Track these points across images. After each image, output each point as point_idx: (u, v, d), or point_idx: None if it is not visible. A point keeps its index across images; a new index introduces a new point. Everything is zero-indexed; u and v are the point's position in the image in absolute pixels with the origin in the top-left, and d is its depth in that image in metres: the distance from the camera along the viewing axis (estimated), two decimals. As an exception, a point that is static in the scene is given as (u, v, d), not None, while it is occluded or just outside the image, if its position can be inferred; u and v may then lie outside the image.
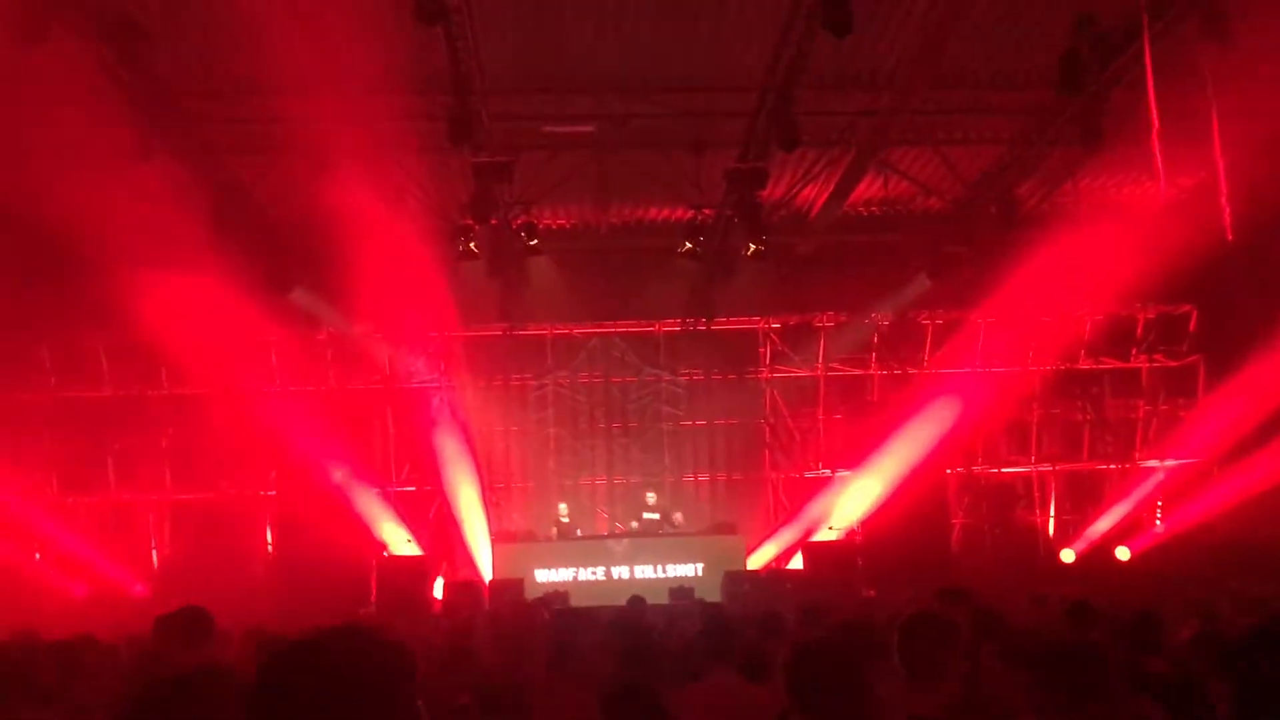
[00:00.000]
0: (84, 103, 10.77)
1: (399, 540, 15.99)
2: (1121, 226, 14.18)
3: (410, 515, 16.64)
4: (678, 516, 16.24)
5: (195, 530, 16.90)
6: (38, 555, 16.09)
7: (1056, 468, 18.06)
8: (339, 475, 15.45)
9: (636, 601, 8.82)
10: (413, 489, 17.18)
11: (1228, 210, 10.67)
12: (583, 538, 16.09)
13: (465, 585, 15.01)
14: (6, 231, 13.60)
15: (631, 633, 5.25)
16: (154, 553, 16.96)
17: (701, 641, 4.69)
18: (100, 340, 16.48)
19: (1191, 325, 17.74)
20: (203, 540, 16.64)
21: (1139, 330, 17.88)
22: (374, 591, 14.69)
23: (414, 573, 14.97)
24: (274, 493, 16.75)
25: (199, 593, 12.86)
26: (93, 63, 10.25)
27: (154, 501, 17.11)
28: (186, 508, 17.09)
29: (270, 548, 16.82)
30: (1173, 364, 17.89)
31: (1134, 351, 17.92)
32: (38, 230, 12.48)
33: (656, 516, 16.22)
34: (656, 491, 17.00)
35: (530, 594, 13.82)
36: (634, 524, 16.30)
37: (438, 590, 15.07)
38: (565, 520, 16.23)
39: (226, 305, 14.59)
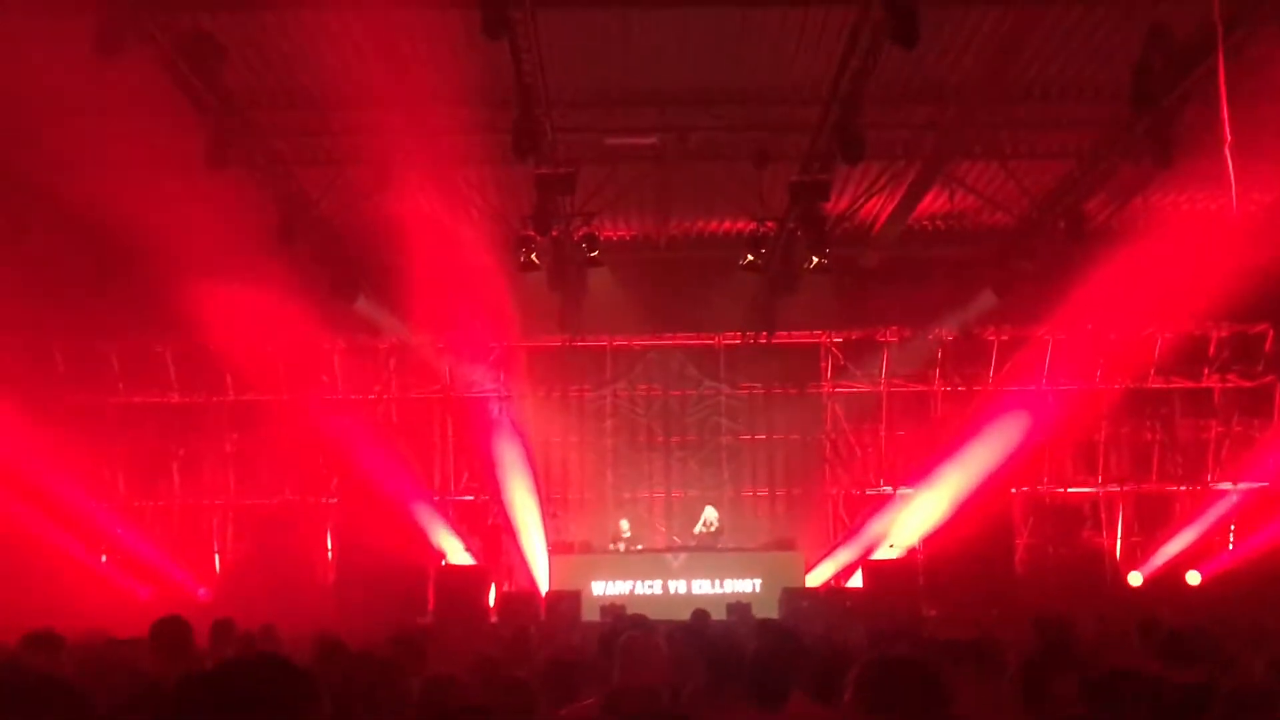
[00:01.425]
0: (157, 113, 10.98)
1: (457, 550, 16.06)
2: (1194, 243, 13.86)
3: (469, 525, 16.73)
4: (715, 522, 16.16)
5: (257, 535, 17.11)
6: (104, 557, 16.40)
7: (1125, 488, 17.68)
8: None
9: (700, 615, 8.65)
10: (471, 498, 17.27)
11: (1307, 227, 10.39)
12: (641, 551, 16.04)
13: (522, 596, 15.06)
14: (80, 237, 13.92)
15: (709, 644, 5.14)
16: (216, 557, 17.20)
17: (771, 662, 4.56)
18: (168, 346, 16.78)
19: (1267, 345, 17.28)
20: (264, 546, 16.85)
21: (1212, 349, 17.46)
22: (431, 600, 14.75)
23: (471, 582, 15.04)
24: (335, 500, 16.92)
25: (259, 598, 13.08)
26: (166, 74, 10.44)
27: (218, 506, 17.37)
28: (249, 513, 17.32)
29: (330, 555, 16.98)
30: (1247, 384, 17.44)
31: (1206, 371, 17.50)
32: (110, 237, 12.76)
33: (714, 529, 16.11)
34: (715, 506, 16.93)
35: (586, 606, 13.80)
36: (690, 539, 16.22)
37: (494, 600, 15.12)
38: (627, 536, 16.13)
39: (291, 314, 14.79)
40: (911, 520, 16.25)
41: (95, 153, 11.29)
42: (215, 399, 17.14)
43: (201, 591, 16.07)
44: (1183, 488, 17.59)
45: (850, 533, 17.02)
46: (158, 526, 17.01)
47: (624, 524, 16.29)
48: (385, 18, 10.84)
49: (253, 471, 17.32)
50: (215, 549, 17.25)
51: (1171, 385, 17.58)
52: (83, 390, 16.67)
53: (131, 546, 16.32)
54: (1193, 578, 16.17)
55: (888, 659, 3.09)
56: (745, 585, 14.93)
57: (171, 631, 5.81)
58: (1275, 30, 9.87)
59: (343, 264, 15.07)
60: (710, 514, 16.28)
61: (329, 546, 17.04)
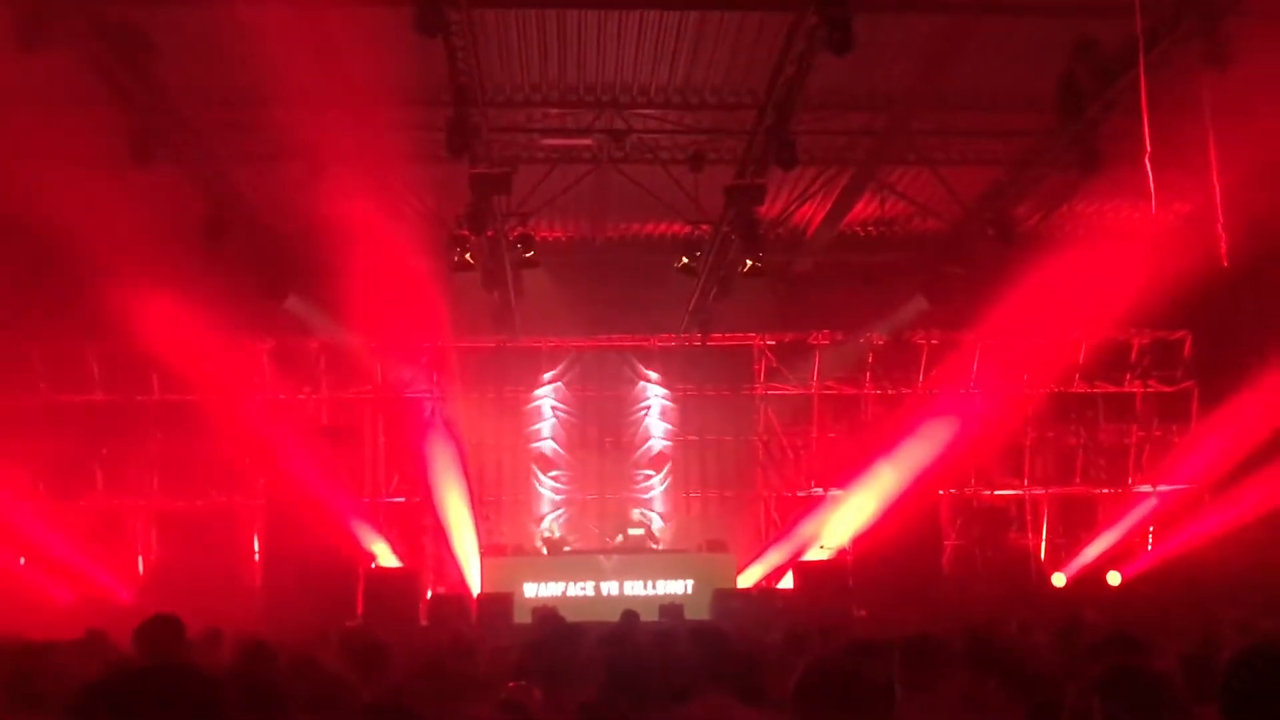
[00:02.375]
0: (82, 107, 10.75)
1: (387, 552, 15.91)
2: (1118, 250, 14.20)
3: (400, 527, 16.57)
4: (657, 525, 16.21)
5: (182, 537, 16.79)
6: (22, 560, 15.97)
7: (1049, 491, 18.03)
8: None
9: (630, 617, 8.69)
10: (402, 500, 17.11)
11: (1224, 237, 10.67)
12: (572, 552, 16.02)
13: (453, 599, 14.95)
14: (1, 234, 13.56)
15: (620, 650, 5.16)
16: (140, 559, 16.84)
17: (694, 661, 4.61)
18: (92, 345, 16.40)
19: (1186, 351, 17.74)
20: (190, 548, 16.54)
21: (1133, 355, 17.88)
22: (360, 603, 14.59)
23: (401, 585, 14.89)
24: (262, 501, 16.67)
25: (184, 600, 12.79)
26: (93, 68, 10.22)
27: (142, 507, 17.00)
28: (174, 514, 16.98)
29: (257, 557, 16.71)
30: (1167, 389, 17.89)
31: (1128, 376, 17.92)
32: (32, 233, 12.45)
33: (641, 532, 16.15)
34: (647, 507, 16.95)
35: (518, 608, 13.76)
36: (620, 538, 16.24)
37: (425, 603, 14.99)
38: (548, 534, 16.19)
39: (219, 312, 14.55)
40: (842, 521, 16.42)
41: (17, 147, 11.02)
42: (140, 398, 16.79)
43: (124, 594, 15.72)
44: (1105, 490, 17.99)
45: (781, 534, 17.16)
46: (80, 528, 16.59)
47: (548, 521, 16.27)
48: (318, 12, 10.72)
49: (178, 472, 16.97)
50: (139, 551, 16.90)
51: (1095, 390, 17.98)
52: (3, 389, 16.22)
53: (52, 549, 15.91)
54: (1113, 578, 16.55)
55: (831, 664, 3.08)
56: (677, 586, 14.98)
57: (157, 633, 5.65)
58: (1194, 46, 10.14)
59: (273, 262, 14.87)
60: (639, 515, 16.32)
61: (256, 549, 16.78)
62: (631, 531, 16.24)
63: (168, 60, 11.12)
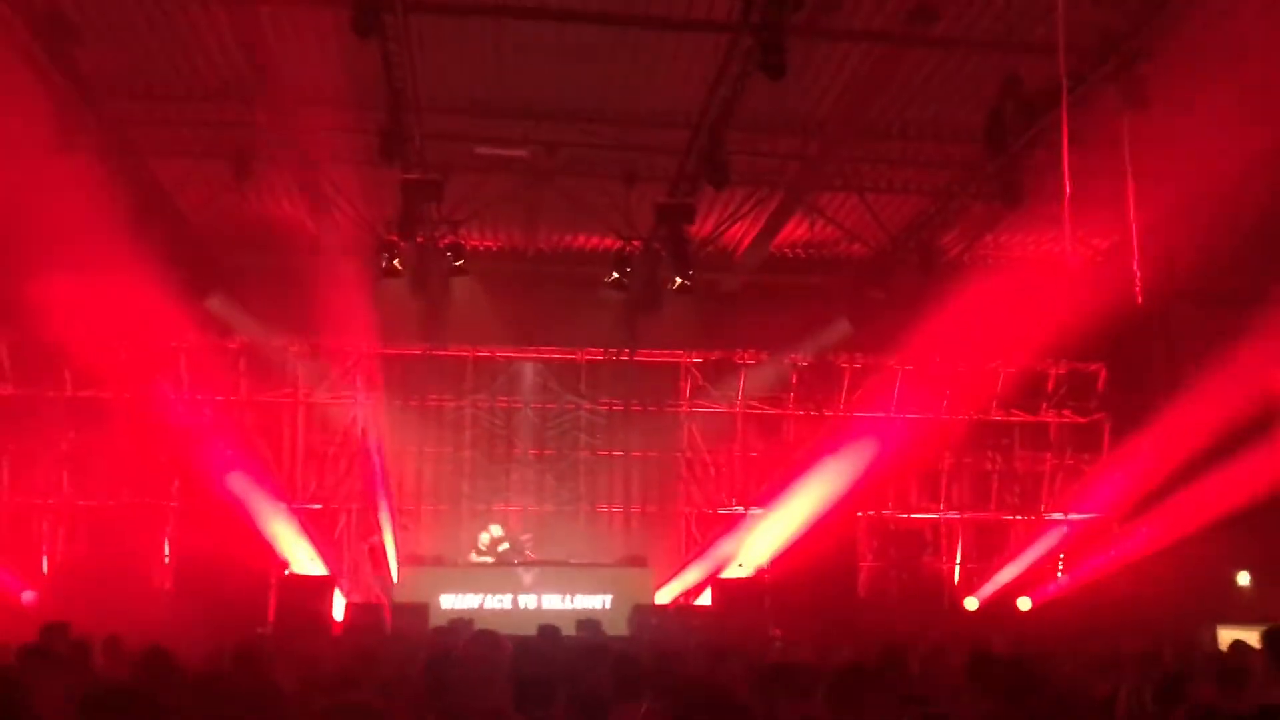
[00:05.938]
0: (2, 94, 10.47)
1: (302, 558, 15.66)
2: (1038, 282, 14.52)
3: (315, 533, 16.32)
4: (526, 538, 16.13)
5: (91, 538, 16.35)
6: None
7: (965, 516, 18.31)
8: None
9: (548, 631, 8.56)
10: (319, 506, 16.85)
11: (1139, 274, 10.99)
12: (491, 565, 15.89)
13: (368, 607, 14.76)
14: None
15: (532, 667, 5.15)
16: (45, 559, 16.36)
17: (609, 679, 4.61)
18: (2, 336, 15.94)
19: (1100, 383, 18.16)
20: (98, 549, 16.11)
21: (1050, 385, 18.26)
22: (272, 610, 14.34)
23: (315, 592, 14.65)
24: (175, 503, 16.32)
25: (90, 602, 12.49)
26: (15, 55, 9.98)
27: (49, 506, 16.50)
28: (83, 514, 16.52)
29: (167, 560, 16.35)
30: (1080, 420, 18.29)
31: (1044, 406, 18.29)
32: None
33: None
34: (572, 521, 16.90)
35: (435, 619, 13.62)
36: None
37: (339, 611, 14.78)
38: (495, 536, 15.91)
39: (138, 308, 14.24)
40: (761, 540, 16.53)
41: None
42: (52, 393, 16.33)
43: (26, 595, 15.25)
44: (1018, 517, 18.34)
45: (701, 550, 17.21)
46: (-19, 526, 16.11)
47: (494, 529, 16.05)
48: (252, 9, 10.60)
49: (89, 471, 16.51)
50: (44, 551, 16.41)
51: (1011, 418, 18.33)
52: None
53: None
54: (1024, 603, 16.88)
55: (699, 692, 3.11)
56: (596, 601, 14.94)
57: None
58: (1115, 87, 10.46)
59: (196, 260, 14.60)
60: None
61: (166, 552, 16.41)
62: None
63: (93, 49, 10.90)
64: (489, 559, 15.74)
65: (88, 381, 16.01)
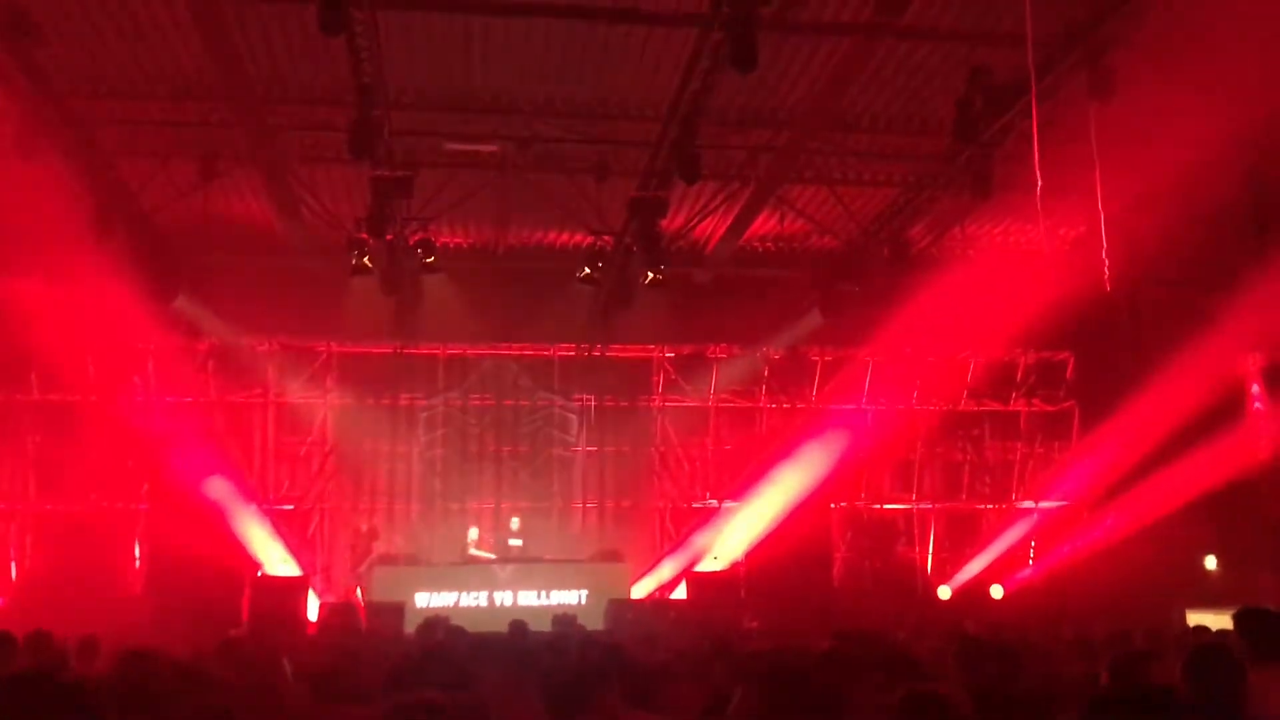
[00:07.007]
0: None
1: (275, 559, 15.56)
2: (1007, 273, 14.63)
3: (288, 533, 16.22)
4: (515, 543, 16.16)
5: (60, 542, 16.15)
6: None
7: (937, 506, 18.45)
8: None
9: (518, 626, 8.60)
10: (291, 507, 16.74)
11: (1107, 262, 11.08)
12: (466, 562, 15.84)
13: (342, 607, 14.68)
14: None
15: (514, 660, 5.13)
16: (13, 564, 16.17)
17: (588, 671, 4.58)
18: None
19: (1069, 372, 18.34)
20: (67, 553, 15.92)
21: (1019, 374, 18.41)
22: (246, 610, 14.24)
23: (289, 593, 14.56)
24: (145, 506, 16.17)
25: (60, 608, 12.32)
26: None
27: (17, 511, 16.31)
28: (52, 518, 16.34)
29: (138, 563, 16.20)
30: (1049, 409, 18.46)
31: (1014, 395, 18.44)
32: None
33: (520, 543, 15.98)
34: (546, 517, 16.87)
35: (410, 618, 13.56)
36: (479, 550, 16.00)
37: (313, 611, 14.70)
38: (474, 539, 15.91)
39: (105, 310, 14.09)
40: (735, 533, 16.59)
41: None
42: (18, 397, 16.13)
43: (-5, 600, 15.10)
44: (989, 506, 18.49)
45: (676, 545, 17.25)
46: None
47: (473, 532, 16.06)
48: (215, 5, 10.49)
49: (57, 474, 16.33)
50: (12, 556, 16.21)
51: (982, 408, 18.47)
52: None
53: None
54: (996, 591, 17.04)
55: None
56: (571, 596, 14.95)
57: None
58: (1082, 78, 10.54)
59: (162, 260, 14.44)
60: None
61: (137, 555, 16.26)
62: (512, 542, 16.01)
63: (54, 47, 10.76)
64: (490, 555, 15.72)
65: (55, 385, 15.83)
